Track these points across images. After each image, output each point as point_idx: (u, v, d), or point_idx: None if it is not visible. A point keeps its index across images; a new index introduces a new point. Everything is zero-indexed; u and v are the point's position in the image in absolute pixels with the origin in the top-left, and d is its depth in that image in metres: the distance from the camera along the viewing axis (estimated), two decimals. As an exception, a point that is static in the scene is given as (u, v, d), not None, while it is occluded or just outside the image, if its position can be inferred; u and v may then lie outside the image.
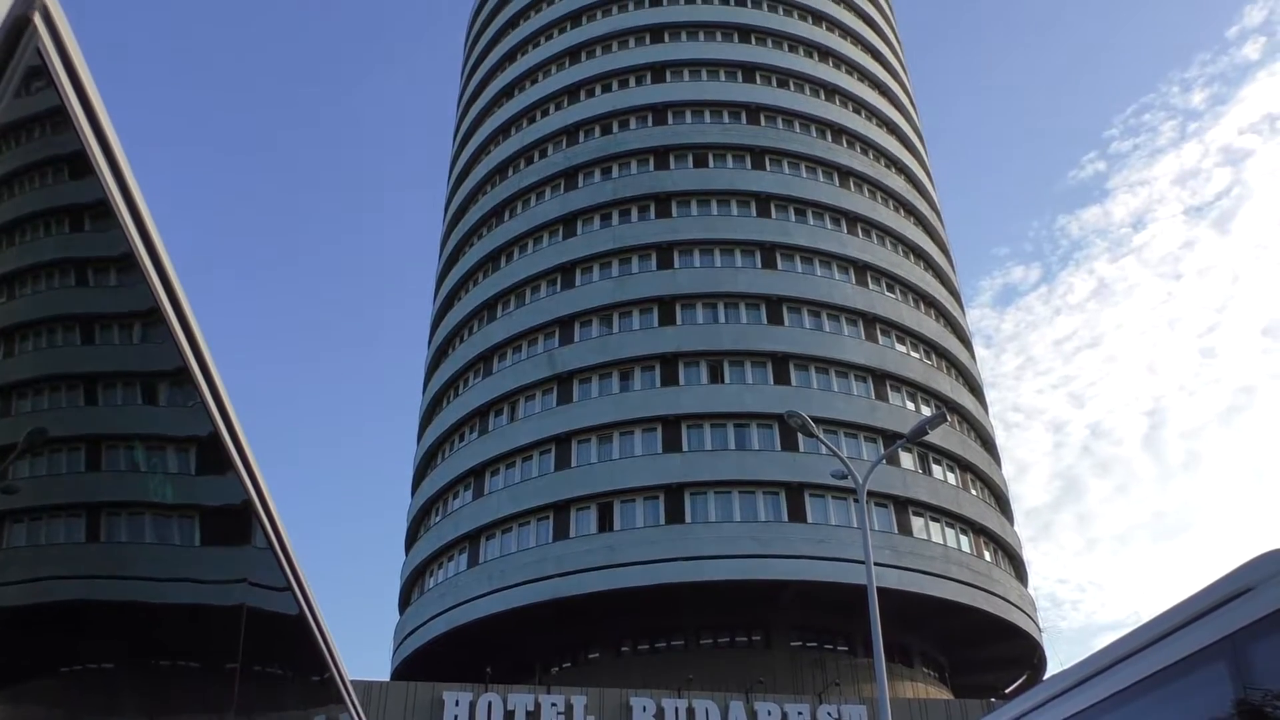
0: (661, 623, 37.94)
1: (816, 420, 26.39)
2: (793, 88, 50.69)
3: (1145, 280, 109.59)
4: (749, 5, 53.25)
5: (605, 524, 38.73)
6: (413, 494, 48.29)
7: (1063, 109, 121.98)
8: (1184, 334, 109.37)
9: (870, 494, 36.24)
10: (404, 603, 45.57)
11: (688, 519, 38.12)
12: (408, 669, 41.68)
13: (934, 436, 39.85)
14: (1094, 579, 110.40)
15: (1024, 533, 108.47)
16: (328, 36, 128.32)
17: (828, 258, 45.41)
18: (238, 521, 2.85)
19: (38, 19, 1.53)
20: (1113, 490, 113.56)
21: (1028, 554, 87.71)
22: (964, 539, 40.97)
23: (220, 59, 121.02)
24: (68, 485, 1.85)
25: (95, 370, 1.96)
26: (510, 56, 55.93)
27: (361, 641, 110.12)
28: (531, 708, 29.65)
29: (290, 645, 3.68)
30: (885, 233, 48.04)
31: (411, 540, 46.63)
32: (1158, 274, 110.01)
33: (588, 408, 41.33)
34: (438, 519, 44.28)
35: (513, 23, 57.34)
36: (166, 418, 2.33)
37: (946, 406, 42.33)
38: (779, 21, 52.80)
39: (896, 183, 50.62)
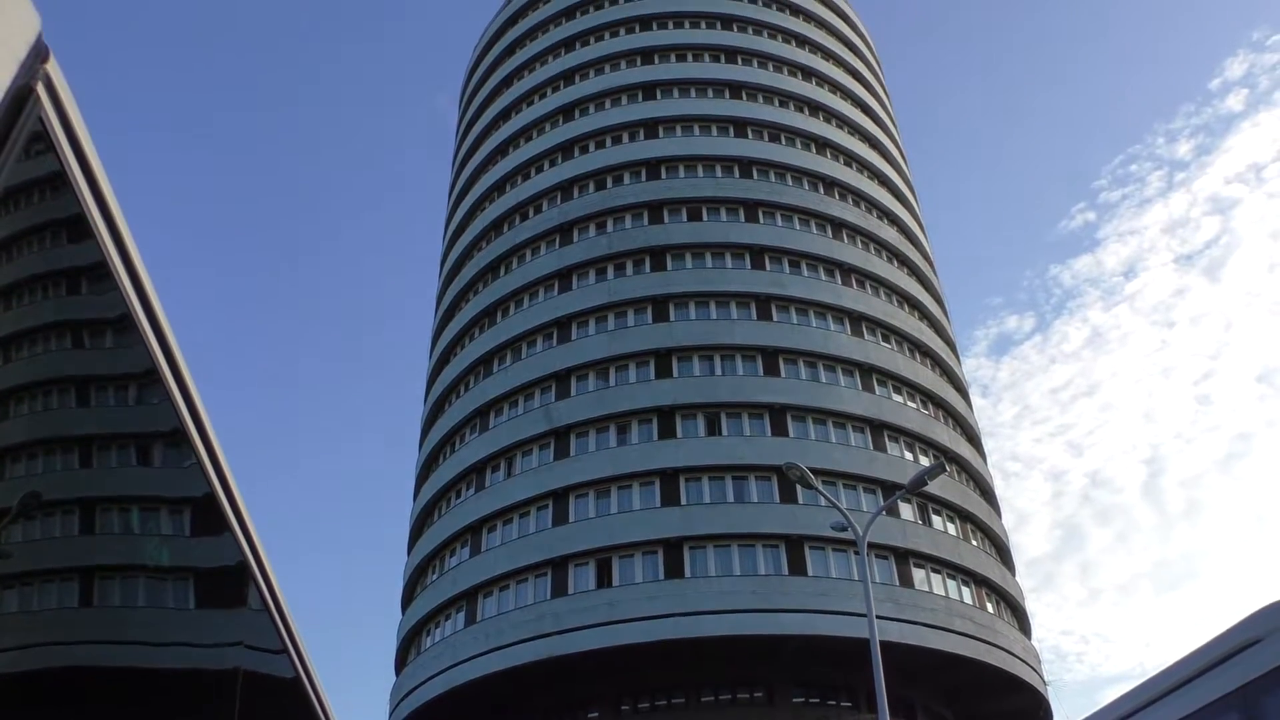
0: (662, 680, 37.44)
1: (815, 471, 26.30)
2: (784, 142, 51.27)
3: (1139, 328, 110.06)
4: (739, 63, 54.07)
5: (604, 580, 38.39)
6: (409, 552, 47.90)
7: (1051, 160, 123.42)
8: (1179, 382, 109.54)
9: (871, 546, 35.93)
10: (400, 663, 44.98)
11: (687, 573, 37.79)
12: (405, 731, 41.03)
13: (933, 487, 39.68)
14: (1098, 630, 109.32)
15: (1026, 583, 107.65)
16: (319, 100, 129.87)
17: (823, 309, 45.58)
18: (233, 583, 2.82)
19: (40, 89, 1.56)
20: (1114, 539, 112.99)
21: (1030, 605, 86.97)
22: (966, 590, 40.63)
23: (218, 114, 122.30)
24: (61, 549, 1.83)
25: (90, 432, 1.95)
26: (504, 115, 56.61)
27: (358, 704, 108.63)
28: (531, 769, 29.16)
29: (287, 709, 3.62)
30: (879, 283, 48.29)
31: (408, 599, 46.16)
32: (1151, 322, 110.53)
33: (585, 462, 41.17)
34: (434, 577, 43.87)
35: (507, 82, 58.13)
36: (161, 479, 2.31)
37: (945, 456, 42.22)
38: (769, 78, 53.56)
39: (889, 234, 51.00)
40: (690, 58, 54.19)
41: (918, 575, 39.24)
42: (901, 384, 45.14)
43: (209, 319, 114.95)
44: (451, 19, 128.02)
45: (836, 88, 55.83)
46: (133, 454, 2.17)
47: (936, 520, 41.69)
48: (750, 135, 51.05)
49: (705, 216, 47.92)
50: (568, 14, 58.04)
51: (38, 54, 1.54)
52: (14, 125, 1.50)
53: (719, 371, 43.01)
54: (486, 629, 39.00)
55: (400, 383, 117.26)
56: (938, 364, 48.49)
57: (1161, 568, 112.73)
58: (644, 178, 49.43)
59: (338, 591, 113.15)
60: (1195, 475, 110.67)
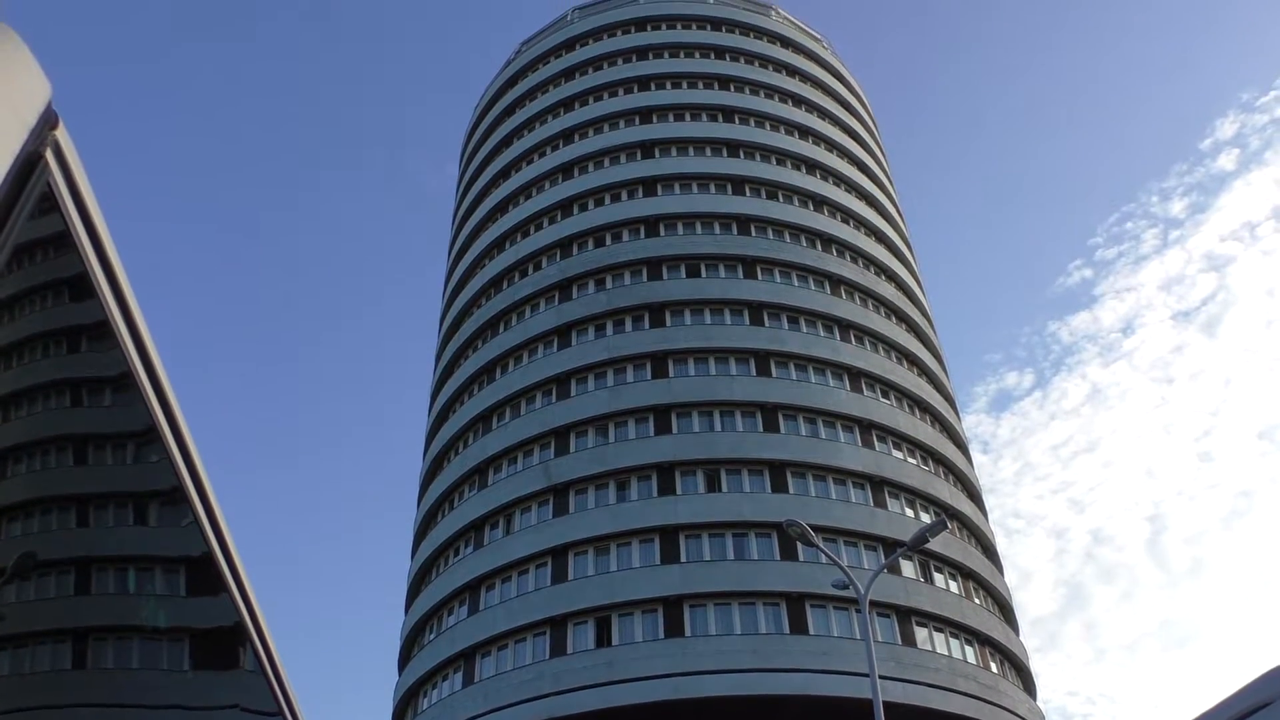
0: (662, 741, 36.84)
1: (815, 528, 26.16)
2: (782, 199, 51.72)
3: (1138, 385, 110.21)
4: (737, 122, 54.76)
5: (603, 639, 37.95)
6: (406, 611, 47.40)
7: (1047, 217, 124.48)
8: (1180, 438, 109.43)
9: (872, 604, 35.68)
10: (397, 724, 44.30)
11: (687, 632, 37.37)
12: (400, 795, 40.29)
13: (935, 544, 39.44)
14: (1104, 690, 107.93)
15: (1031, 642, 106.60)
16: (315, 157, 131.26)
17: (822, 365, 45.62)
18: (229, 644, 2.78)
19: (49, 155, 1.58)
20: (1118, 598, 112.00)
21: (1035, 665, 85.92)
22: (969, 650, 40.15)
23: (220, 184, 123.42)
24: (56, 610, 1.81)
25: (88, 491, 1.94)
26: (504, 173, 57.19)
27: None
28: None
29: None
30: (878, 339, 48.40)
31: (405, 659, 45.58)
32: (1150, 378, 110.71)
33: (584, 519, 40.92)
34: (432, 636, 43.37)
35: (506, 141, 58.82)
36: (159, 538, 2.29)
37: (946, 513, 42.01)
38: (767, 136, 54.21)
39: (887, 290, 51.24)
40: (688, 117, 54.86)
41: (920, 634, 38.80)
42: (901, 440, 45.03)
43: (208, 378, 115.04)
44: (452, 84, 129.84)
45: (833, 146, 56.48)
46: (130, 513, 2.15)
47: (938, 578, 41.33)
48: (748, 193, 51.53)
49: (704, 273, 48.18)
50: (567, 75, 58.91)
51: (47, 121, 1.57)
52: (23, 191, 1.51)
53: (718, 427, 42.92)
54: (485, 689, 38.47)
55: (399, 439, 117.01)
56: (937, 420, 48.42)
57: (1167, 626, 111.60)
58: (643, 235, 49.78)
59: (334, 652, 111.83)
60: (1198, 532, 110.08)
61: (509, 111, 60.43)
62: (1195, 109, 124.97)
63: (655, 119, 54.71)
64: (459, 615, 42.25)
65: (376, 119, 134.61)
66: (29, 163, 1.52)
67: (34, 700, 1.75)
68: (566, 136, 55.66)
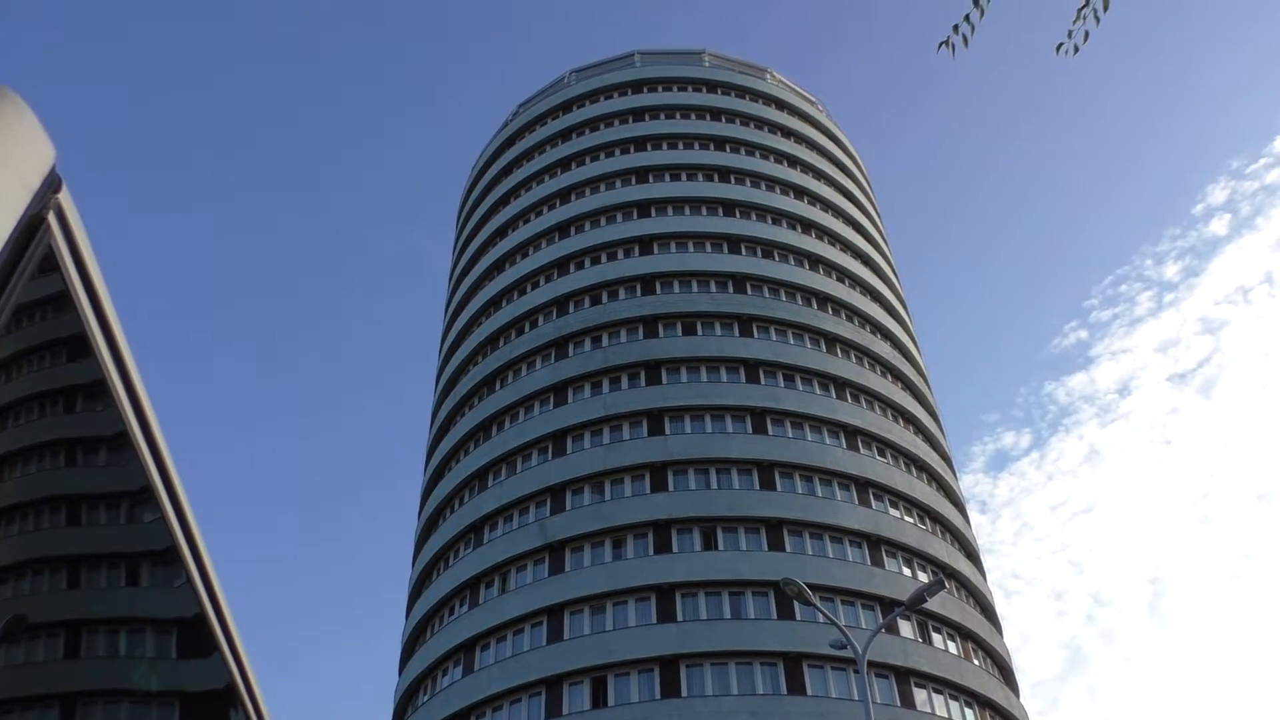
0: (658, 806, 36.13)
1: (812, 587, 25.93)
2: (777, 258, 52.05)
3: (1136, 446, 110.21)
4: (732, 181, 55.30)
5: (599, 699, 37.39)
6: (400, 671, 46.74)
7: (1042, 279, 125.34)
8: (1179, 500, 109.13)
9: (870, 664, 35.21)
10: (388, 789, 43.46)
11: (684, 692, 36.85)
12: None
13: (933, 604, 39.03)
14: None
15: (1032, 705, 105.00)
16: (316, 207, 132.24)
17: (818, 422, 45.56)
18: (220, 706, 2.74)
19: (52, 218, 1.59)
20: (1121, 661, 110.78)
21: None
22: (969, 712, 39.59)
23: (208, 211, 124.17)
24: (44, 674, 1.79)
25: (80, 552, 1.92)
26: (501, 232, 57.57)
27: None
28: None
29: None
30: (874, 397, 48.40)
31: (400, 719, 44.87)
32: (1148, 440, 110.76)
33: (580, 577, 40.55)
34: (426, 698, 42.71)
35: (504, 200, 59.29)
36: (151, 600, 2.27)
37: (943, 572, 41.66)
38: (762, 197, 54.70)
39: (883, 349, 51.35)
40: (685, 177, 55.40)
41: (919, 695, 38.27)
42: (898, 498, 44.83)
43: (199, 433, 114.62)
44: (450, 144, 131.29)
45: (828, 206, 56.98)
46: (122, 574, 2.14)
47: (937, 638, 40.88)
48: (744, 251, 51.86)
49: (700, 331, 48.30)
50: (564, 135, 59.58)
51: (50, 184, 1.58)
52: (25, 252, 1.53)
53: (714, 485, 42.73)
54: (477, 753, 37.80)
55: (393, 497, 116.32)
56: (934, 479, 48.26)
57: (1170, 690, 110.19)
58: (639, 293, 49.99)
59: (326, 714, 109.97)
60: (1200, 595, 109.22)
61: (507, 171, 61.00)
62: (1187, 174, 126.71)
63: (652, 178, 55.24)
64: (454, 675, 41.67)
65: (376, 184, 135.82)
66: (32, 225, 1.54)
67: (20, 766, 1.72)
68: (563, 196, 56.13)
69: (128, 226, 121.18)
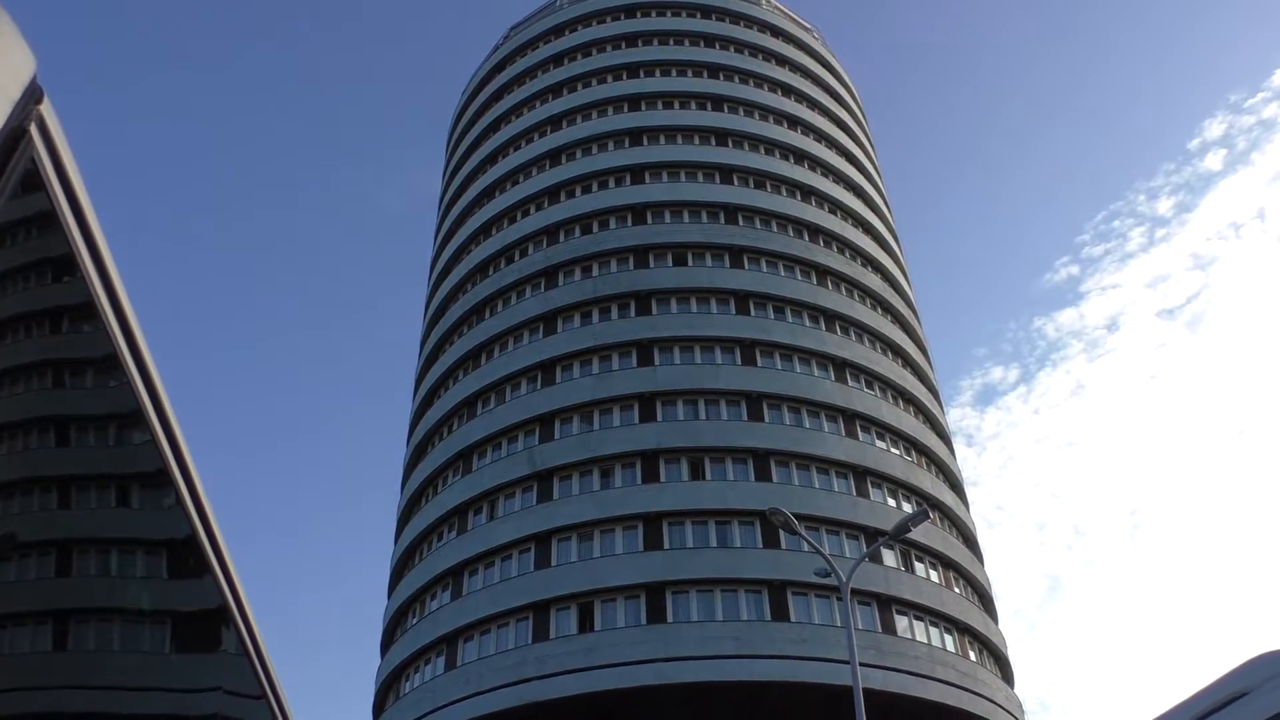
0: (643, 727, 36.98)
1: (798, 517, 26.22)
2: (769, 189, 51.70)
3: (1122, 381, 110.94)
4: (725, 110, 54.66)
5: (586, 624, 38.03)
6: (389, 596, 47.36)
7: (1034, 214, 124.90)
8: (1162, 434, 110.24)
9: (853, 592, 35.79)
10: (378, 708, 44.30)
11: (669, 619, 37.48)
12: (381, 778, 40.34)
13: (916, 534, 39.57)
14: (1083, 680, 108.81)
15: (1011, 632, 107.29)
16: (307, 132, 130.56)
17: (807, 354, 45.70)
18: (212, 627, 2.78)
19: (34, 130, 1.56)
20: (1099, 590, 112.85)
21: (1015, 654, 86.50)
22: (949, 638, 40.41)
23: (206, 141, 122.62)
24: (36, 592, 1.80)
25: (69, 473, 1.92)
26: (491, 159, 56.95)
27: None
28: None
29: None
30: (863, 330, 48.50)
31: (387, 643, 45.57)
32: (1134, 375, 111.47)
33: (568, 505, 40.95)
34: (415, 620, 43.36)
35: (494, 126, 58.55)
36: (142, 521, 2.28)
37: (928, 503, 42.18)
38: (754, 126, 54.13)
39: (873, 281, 51.32)
40: (677, 105, 54.73)
41: (900, 622, 39.03)
42: (885, 430, 45.19)
43: (189, 354, 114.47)
44: (439, 69, 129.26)
45: (822, 136, 56.45)
46: (112, 495, 2.14)
47: (919, 567, 41.56)
48: (736, 182, 51.48)
49: (690, 262, 48.14)
50: (556, 60, 58.66)
51: (32, 95, 1.55)
52: (6, 165, 1.50)
53: (703, 416, 42.97)
54: (467, 674, 38.51)
55: (382, 425, 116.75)
56: (921, 411, 48.60)
57: (1147, 618, 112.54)
58: (630, 223, 49.69)
59: (317, 634, 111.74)
60: (1179, 527, 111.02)
61: (496, 96, 60.16)
62: (1185, 109, 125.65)
63: (644, 106, 54.57)
64: (442, 600, 42.26)
65: (362, 102, 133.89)
66: (12, 138, 1.51)
67: (13, 682, 1.74)
68: (554, 123, 55.46)
69: (109, 142, 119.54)
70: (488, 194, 55.35)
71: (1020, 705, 42.55)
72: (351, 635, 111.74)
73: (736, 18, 60.28)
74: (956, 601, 41.68)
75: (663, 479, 40.97)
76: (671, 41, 57.96)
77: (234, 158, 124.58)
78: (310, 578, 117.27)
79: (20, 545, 1.72)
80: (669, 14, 59.62)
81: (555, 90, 57.06)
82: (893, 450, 44.79)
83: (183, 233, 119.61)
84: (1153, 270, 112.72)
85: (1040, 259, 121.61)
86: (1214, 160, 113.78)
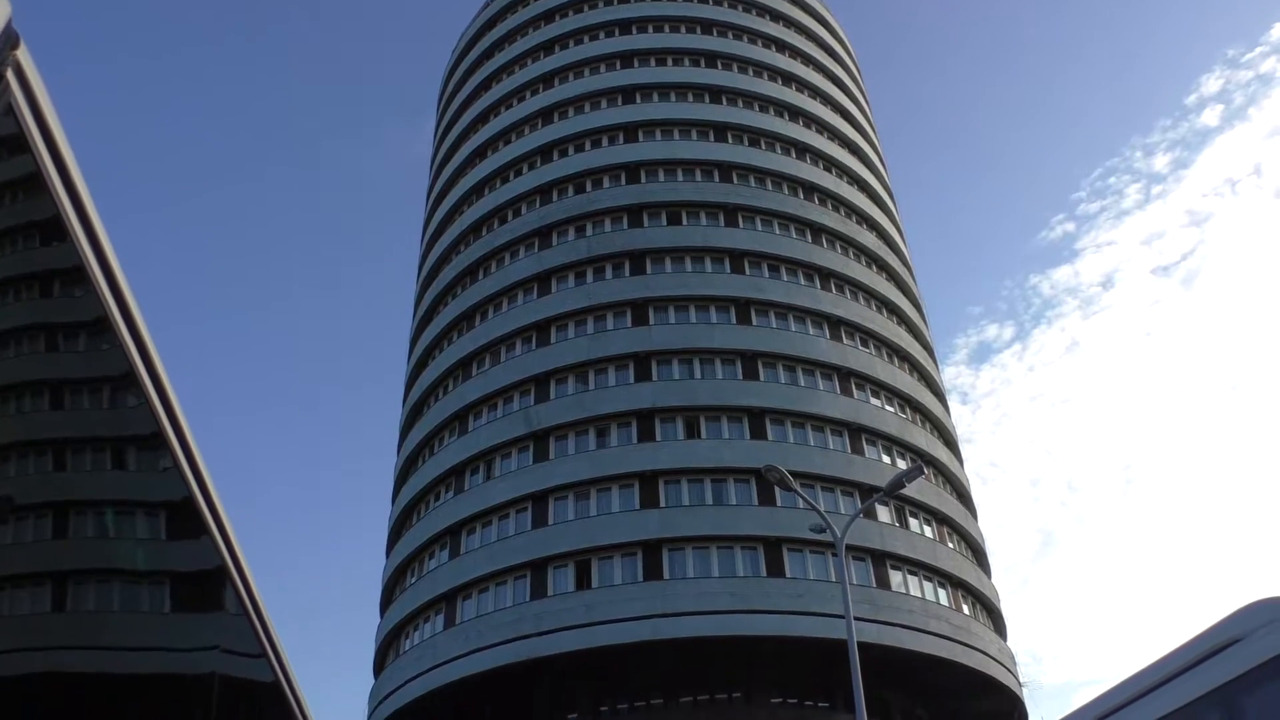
0: (640, 681, 37.42)
1: (793, 474, 26.37)
2: (764, 146, 51.38)
3: (1116, 338, 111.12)
4: (719, 67, 54.17)
5: (583, 582, 38.34)
6: (388, 555, 47.67)
7: (1030, 172, 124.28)
8: (1155, 390, 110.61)
9: (848, 548, 36.02)
10: (379, 666, 44.77)
11: (666, 575, 37.80)
12: (382, 735, 40.81)
13: (911, 490, 39.83)
14: (1075, 634, 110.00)
15: (1005, 586, 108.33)
16: (300, 98, 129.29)
17: (802, 313, 45.68)
18: (210, 587, 2.79)
19: (10, 75, 1.53)
20: (1091, 544, 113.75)
21: (1008, 608, 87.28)
22: (942, 592, 40.82)
23: (196, 99, 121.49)
24: (34, 553, 1.81)
25: (65, 436, 1.92)
26: (483, 118, 56.47)
27: (336, 706, 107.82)
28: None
29: (265, 712, 3.59)
30: (858, 288, 48.46)
31: (387, 602, 45.94)
32: (1129, 332, 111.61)
33: (564, 465, 41.11)
34: (414, 580, 43.68)
35: (485, 85, 57.99)
36: (138, 483, 2.29)
37: (922, 460, 42.41)
38: (749, 82, 53.68)
39: (868, 239, 51.18)
40: (670, 62, 54.23)
41: (895, 577, 39.40)
42: (880, 388, 45.30)
43: (183, 319, 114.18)
44: (425, 28, 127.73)
45: (816, 93, 56.02)
46: (108, 457, 2.15)
47: (914, 523, 41.87)
48: (730, 140, 51.16)
49: (685, 221, 47.96)
50: (547, 17, 57.99)
51: (7, 40, 1.52)
52: None
53: (698, 375, 43.03)
54: (466, 631, 38.88)
55: (379, 386, 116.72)
56: (915, 369, 48.70)
57: (1139, 572, 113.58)
58: (624, 181, 49.42)
59: (316, 594, 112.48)
60: (1171, 482, 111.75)
61: (488, 54, 59.53)
62: (1181, 64, 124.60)
63: (637, 63, 54.05)
64: (440, 559, 42.54)
65: (353, 62, 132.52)
66: None
67: (13, 643, 1.75)
68: (546, 81, 54.95)
69: (85, 112, 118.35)
70: (480, 154, 54.96)
71: (1013, 657, 43.09)
72: (351, 593, 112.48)
73: (730, -28, 59.53)
74: (950, 556, 42.05)
75: (658, 438, 41.11)
76: (664, -3, 57.31)
77: (219, 126, 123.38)
78: (310, 538, 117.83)
79: (18, 508, 1.73)
80: (661, -31, 58.86)
81: (547, 48, 56.47)
82: (887, 408, 44.93)
83: (173, 200, 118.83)
84: (1148, 227, 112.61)
85: (1036, 216, 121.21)
86: (1211, 116, 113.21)
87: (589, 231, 48.14)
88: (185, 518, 2.50)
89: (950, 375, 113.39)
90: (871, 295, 48.84)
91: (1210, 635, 4.00)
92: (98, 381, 2.03)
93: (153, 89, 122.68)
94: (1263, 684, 3.60)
